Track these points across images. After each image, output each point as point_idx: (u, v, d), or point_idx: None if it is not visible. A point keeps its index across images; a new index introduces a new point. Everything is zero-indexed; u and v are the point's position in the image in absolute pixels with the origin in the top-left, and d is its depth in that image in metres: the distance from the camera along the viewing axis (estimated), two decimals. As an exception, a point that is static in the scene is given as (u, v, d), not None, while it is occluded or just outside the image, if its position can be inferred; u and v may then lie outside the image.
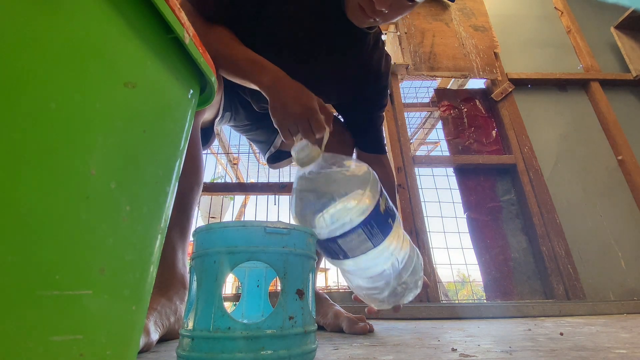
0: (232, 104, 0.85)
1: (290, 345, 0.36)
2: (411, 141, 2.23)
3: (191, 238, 0.55)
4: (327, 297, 0.77)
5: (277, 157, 0.97)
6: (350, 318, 0.67)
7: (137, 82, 0.26)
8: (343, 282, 1.52)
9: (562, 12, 1.97)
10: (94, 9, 0.23)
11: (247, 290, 0.55)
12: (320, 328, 0.71)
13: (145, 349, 0.49)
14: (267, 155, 0.99)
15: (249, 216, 2.82)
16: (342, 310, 0.72)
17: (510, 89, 1.68)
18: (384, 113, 0.89)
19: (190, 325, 0.37)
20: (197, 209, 0.74)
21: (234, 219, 2.51)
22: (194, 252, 0.41)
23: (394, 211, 0.54)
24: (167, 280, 0.59)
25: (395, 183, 0.82)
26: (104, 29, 0.24)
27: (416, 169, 1.51)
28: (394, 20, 0.70)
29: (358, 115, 0.87)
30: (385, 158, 0.87)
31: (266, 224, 0.39)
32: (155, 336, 0.52)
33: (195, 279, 0.39)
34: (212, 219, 2.42)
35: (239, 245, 0.38)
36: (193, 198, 0.69)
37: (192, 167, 0.69)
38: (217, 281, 0.37)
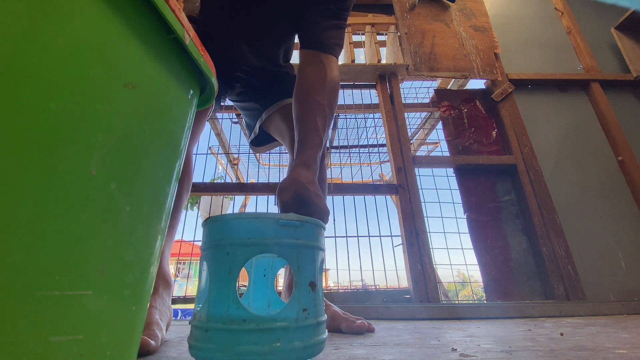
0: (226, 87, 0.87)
1: (304, 336, 0.37)
2: (411, 142, 2.23)
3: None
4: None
5: (259, 142, 0.97)
6: (348, 318, 0.67)
7: (137, 82, 0.26)
8: (343, 282, 1.52)
9: (562, 13, 1.97)
10: (94, 9, 0.23)
11: (253, 280, 0.55)
12: None
13: (160, 344, 0.51)
14: (249, 140, 1.00)
15: (249, 216, 2.81)
16: (339, 310, 0.71)
17: (510, 90, 1.68)
18: (344, 20, 0.74)
19: (204, 316, 0.37)
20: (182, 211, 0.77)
21: (234, 219, 2.50)
22: (204, 242, 0.41)
23: None
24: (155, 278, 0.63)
25: (334, 83, 0.68)
26: (104, 29, 0.24)
27: (416, 170, 1.51)
28: None
29: (315, 12, 0.73)
30: (326, 57, 0.70)
31: (279, 216, 0.39)
32: (165, 332, 0.55)
33: (207, 269, 0.39)
34: (212, 219, 2.42)
35: (252, 237, 0.38)
36: (183, 200, 0.72)
37: (186, 170, 0.72)
38: (231, 273, 0.37)
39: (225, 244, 0.38)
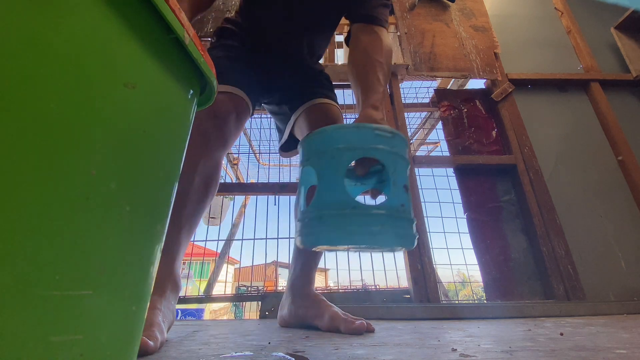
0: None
1: (403, 226, 0.43)
2: (411, 141, 2.23)
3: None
4: (324, 298, 0.77)
5: (288, 147, 0.97)
6: (347, 319, 0.67)
7: (137, 82, 0.26)
8: (343, 282, 1.52)
9: (562, 13, 1.97)
10: (94, 9, 0.23)
11: None
12: (318, 329, 0.71)
13: (160, 346, 0.51)
14: (279, 144, 1.00)
15: (249, 216, 2.82)
16: (339, 311, 0.71)
17: (510, 90, 1.68)
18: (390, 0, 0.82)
19: (316, 207, 0.43)
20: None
21: (234, 219, 2.51)
22: (306, 154, 0.48)
23: None
24: (165, 280, 0.62)
25: (389, 47, 0.75)
26: (104, 29, 0.24)
27: (416, 169, 1.51)
28: None
29: None
30: (378, 28, 0.77)
31: (375, 126, 0.45)
32: (166, 334, 0.55)
33: (314, 172, 0.46)
34: (212, 219, 2.42)
35: (354, 143, 0.44)
36: (206, 205, 0.73)
37: (214, 176, 0.73)
38: (339, 172, 0.43)
39: (331, 150, 0.44)
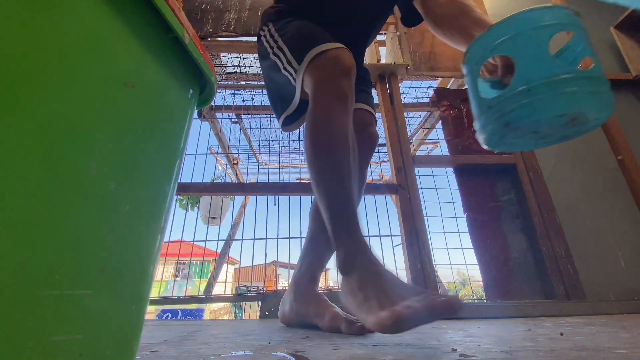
0: None
1: (608, 89, 0.46)
2: (411, 141, 2.23)
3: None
4: (326, 298, 0.77)
5: (294, 117, 0.85)
6: (348, 319, 0.67)
7: (136, 82, 0.26)
8: (343, 282, 1.51)
9: (561, 12, 1.97)
10: (93, 9, 0.23)
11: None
12: (318, 329, 0.71)
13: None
14: (282, 117, 0.86)
15: (249, 216, 2.82)
16: (339, 311, 0.71)
17: (510, 89, 1.68)
18: None
19: (520, 84, 0.45)
20: None
21: (234, 219, 2.51)
22: (488, 48, 0.51)
23: None
24: (368, 252, 0.60)
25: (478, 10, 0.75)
26: (104, 29, 0.24)
27: (416, 169, 1.51)
28: None
29: None
30: None
31: (564, 5, 0.49)
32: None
33: (510, 57, 0.50)
34: (212, 219, 2.43)
35: (551, 20, 0.47)
36: (353, 154, 0.67)
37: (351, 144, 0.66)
38: (540, 47, 0.45)
39: (526, 30, 0.47)
